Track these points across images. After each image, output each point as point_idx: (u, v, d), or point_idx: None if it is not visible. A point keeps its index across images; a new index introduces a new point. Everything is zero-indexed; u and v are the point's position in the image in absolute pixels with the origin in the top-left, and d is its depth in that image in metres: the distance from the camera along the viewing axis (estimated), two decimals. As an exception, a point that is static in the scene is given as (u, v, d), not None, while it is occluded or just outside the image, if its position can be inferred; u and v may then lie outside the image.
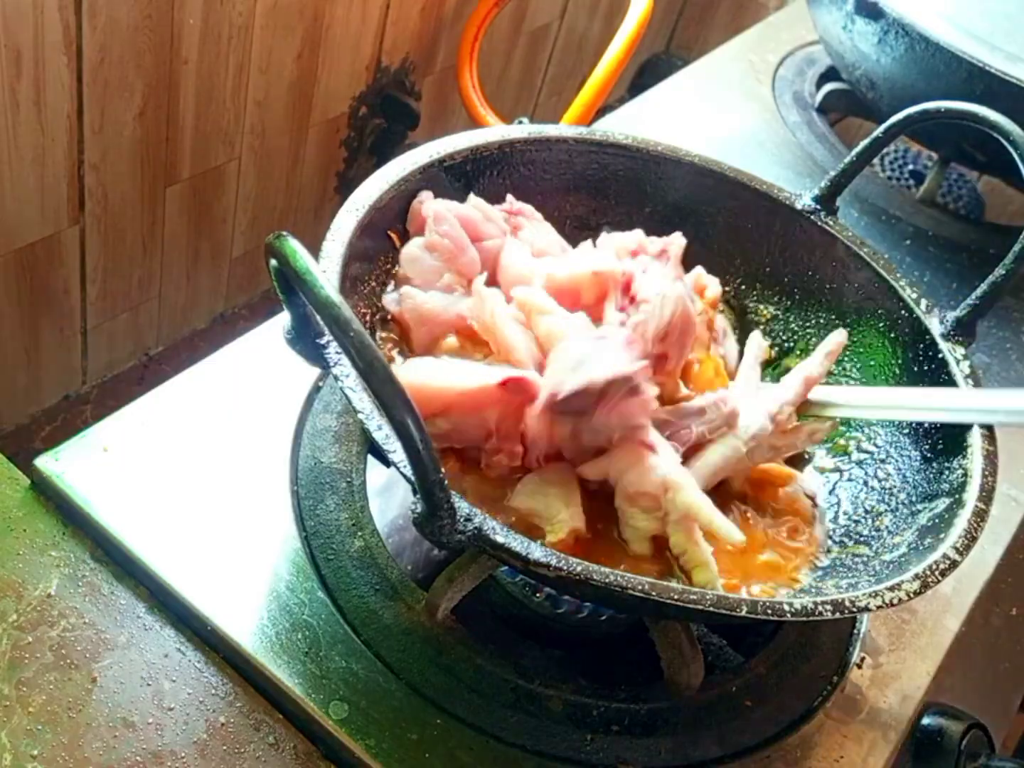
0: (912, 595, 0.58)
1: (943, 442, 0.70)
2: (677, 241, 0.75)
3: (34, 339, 1.12)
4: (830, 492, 0.74)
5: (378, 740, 0.61)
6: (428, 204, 0.72)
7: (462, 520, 0.54)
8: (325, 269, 0.62)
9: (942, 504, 0.66)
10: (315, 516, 0.71)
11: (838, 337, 0.73)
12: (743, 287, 0.83)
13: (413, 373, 0.66)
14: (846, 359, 0.79)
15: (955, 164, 1.25)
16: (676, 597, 0.54)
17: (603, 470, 0.65)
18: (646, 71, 1.88)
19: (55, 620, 0.62)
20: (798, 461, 0.76)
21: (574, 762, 0.64)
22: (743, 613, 0.55)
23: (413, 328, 0.70)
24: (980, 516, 0.63)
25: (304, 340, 0.59)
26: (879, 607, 0.57)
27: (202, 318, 1.33)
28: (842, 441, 0.76)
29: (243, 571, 0.67)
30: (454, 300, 0.71)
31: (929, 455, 0.71)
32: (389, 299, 0.71)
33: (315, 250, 0.61)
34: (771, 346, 0.82)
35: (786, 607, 0.56)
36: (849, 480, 0.74)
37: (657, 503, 0.63)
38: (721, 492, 0.70)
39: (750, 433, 0.69)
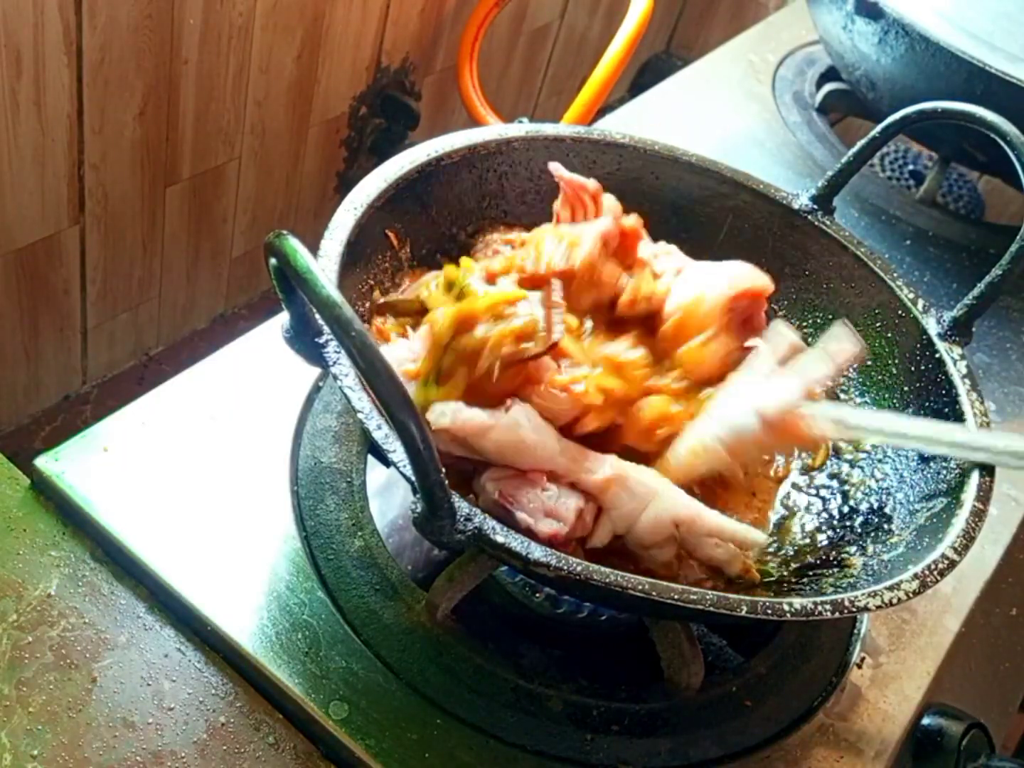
0: (911, 595, 0.58)
1: (942, 442, 0.70)
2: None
3: (34, 339, 1.12)
4: (829, 492, 0.74)
5: (378, 740, 0.61)
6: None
7: (462, 520, 0.54)
8: (323, 268, 0.62)
9: (940, 504, 0.66)
10: (315, 516, 0.71)
11: (853, 348, 0.66)
12: (742, 287, 0.83)
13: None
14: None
15: (955, 164, 1.25)
16: (676, 597, 0.54)
17: (607, 532, 0.63)
18: (646, 71, 1.88)
19: (55, 620, 0.62)
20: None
21: (574, 762, 0.64)
22: (743, 613, 0.55)
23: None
24: (978, 516, 0.63)
25: (303, 339, 0.59)
26: (878, 607, 0.57)
27: (202, 318, 1.33)
28: (840, 443, 0.76)
29: (243, 571, 0.67)
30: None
31: (927, 455, 0.71)
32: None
33: (315, 250, 0.61)
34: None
35: (786, 607, 0.56)
36: (847, 480, 0.74)
37: (673, 539, 0.63)
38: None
39: (728, 427, 0.64)
